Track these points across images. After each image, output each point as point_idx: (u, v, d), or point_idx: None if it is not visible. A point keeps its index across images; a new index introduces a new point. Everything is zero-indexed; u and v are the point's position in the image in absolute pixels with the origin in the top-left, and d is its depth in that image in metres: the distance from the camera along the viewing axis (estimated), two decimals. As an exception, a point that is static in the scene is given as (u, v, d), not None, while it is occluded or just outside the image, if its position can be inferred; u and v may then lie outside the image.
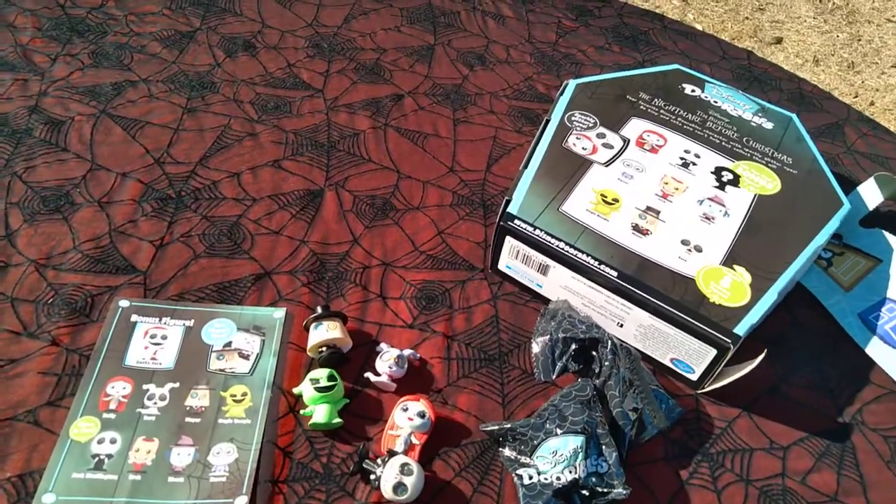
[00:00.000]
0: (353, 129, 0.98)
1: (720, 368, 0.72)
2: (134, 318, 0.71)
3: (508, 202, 0.79)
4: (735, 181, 0.86)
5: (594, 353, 0.71)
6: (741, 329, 0.71)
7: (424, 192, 0.91)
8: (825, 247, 0.92)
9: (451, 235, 0.87)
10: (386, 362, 0.70)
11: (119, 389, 0.66)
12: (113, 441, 0.62)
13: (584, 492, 0.63)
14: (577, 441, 0.64)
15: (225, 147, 0.92)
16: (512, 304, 0.81)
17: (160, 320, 0.72)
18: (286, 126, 0.97)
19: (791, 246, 0.79)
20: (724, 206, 0.83)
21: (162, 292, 0.75)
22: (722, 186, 0.85)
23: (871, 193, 0.98)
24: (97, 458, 0.61)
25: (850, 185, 0.98)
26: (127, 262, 0.77)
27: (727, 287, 0.74)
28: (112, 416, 0.64)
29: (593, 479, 0.63)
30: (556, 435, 0.65)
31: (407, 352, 0.72)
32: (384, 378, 0.70)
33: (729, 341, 0.70)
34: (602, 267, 0.75)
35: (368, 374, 0.70)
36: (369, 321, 0.76)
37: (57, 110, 0.92)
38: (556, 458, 0.64)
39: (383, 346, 0.72)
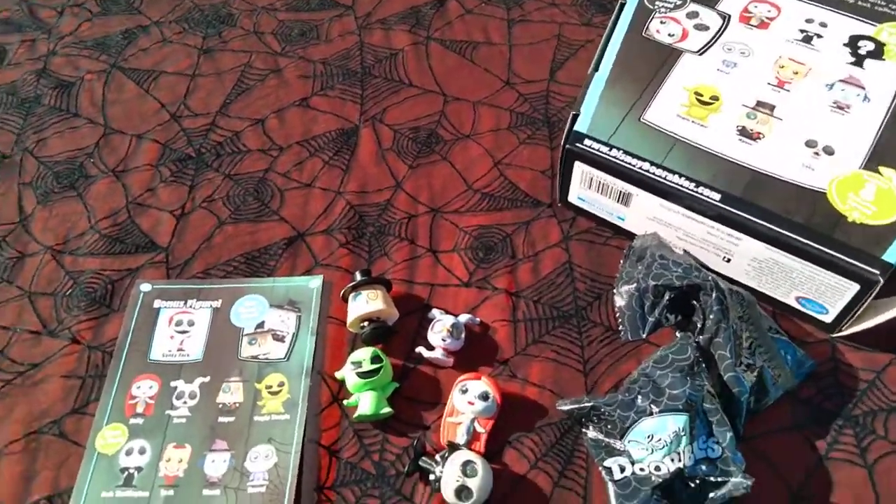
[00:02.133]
0: (389, 49, 0.83)
1: (864, 306, 0.56)
2: (157, 303, 0.64)
3: (576, 118, 0.63)
4: (878, 52, 0.65)
5: (695, 302, 0.57)
6: (892, 255, 0.54)
7: (476, 116, 0.77)
8: None
9: (511, 166, 0.72)
10: (438, 334, 0.59)
11: (145, 389, 0.59)
12: (142, 451, 0.56)
13: (693, 482, 0.50)
14: (678, 421, 0.51)
15: (246, 90, 0.81)
16: (588, 244, 0.66)
17: (185, 303, 0.64)
18: (313, 55, 0.84)
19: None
20: (862, 88, 0.63)
21: (186, 270, 0.67)
22: (859, 62, 0.64)
23: None
24: (126, 473, 0.55)
25: None
26: (147, 238, 0.69)
27: (870, 199, 0.56)
28: (140, 420, 0.57)
29: (703, 468, 0.51)
30: (652, 414, 0.52)
31: (463, 318, 0.61)
32: (438, 353, 0.59)
33: (876, 272, 0.53)
34: (700, 189, 0.59)
35: (420, 350, 0.60)
36: (419, 282, 0.65)
37: (66, 71, 0.84)
38: (652, 443, 0.51)
39: (435, 312, 0.61)
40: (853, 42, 0.66)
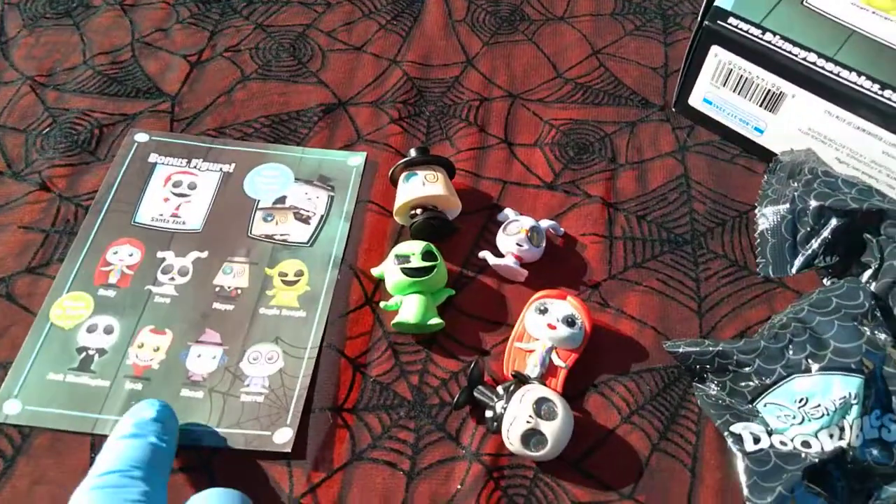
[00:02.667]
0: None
1: None
2: (153, 157, 0.50)
3: (715, -14, 0.48)
4: None
5: (868, 235, 0.42)
6: None
7: (573, -5, 0.61)
8: None
9: (614, 57, 0.58)
10: (513, 236, 0.44)
11: (124, 256, 0.45)
12: (108, 330, 0.42)
13: (859, 470, 0.36)
14: (850, 385, 0.36)
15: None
16: (710, 158, 0.52)
17: (189, 163, 0.50)
18: None
19: None
20: None
21: (195, 125, 0.52)
22: None
23: None
24: (84, 354, 0.42)
25: None
26: (151, 82, 0.55)
27: None
28: (111, 293, 0.44)
29: (874, 452, 0.36)
30: (810, 372, 0.37)
31: (545, 223, 0.46)
32: (510, 261, 0.44)
33: None
34: (887, 93, 0.43)
35: (485, 254, 0.45)
36: (488, 177, 0.50)
37: None
38: (805, 409, 0.37)
39: (508, 212, 0.47)
40: None
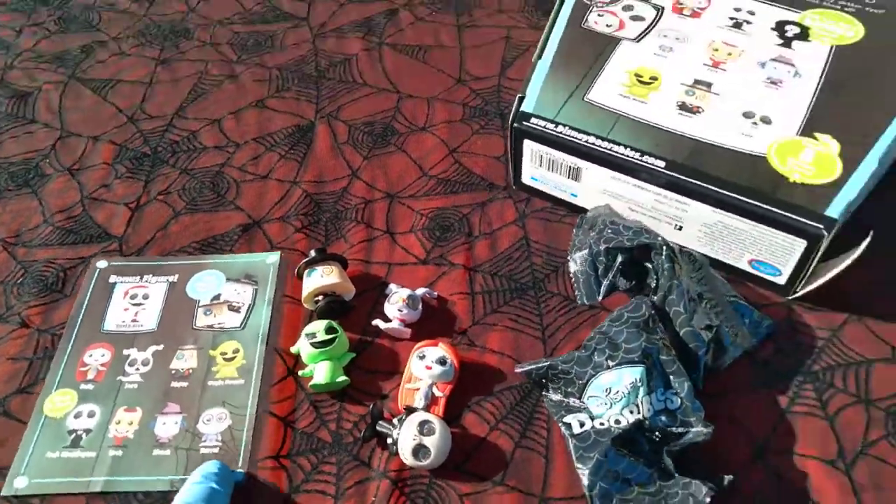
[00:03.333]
0: (343, 54, 0.86)
1: (814, 264, 0.57)
2: (113, 278, 0.63)
3: (522, 100, 0.65)
4: (803, 34, 0.69)
5: (647, 264, 0.58)
6: (835, 210, 0.55)
7: (430, 110, 0.78)
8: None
9: (466, 153, 0.74)
10: (395, 305, 0.58)
11: (97, 357, 0.58)
12: (91, 414, 0.55)
13: (655, 435, 0.50)
14: (635, 373, 0.51)
15: (202, 94, 0.82)
16: (544, 221, 0.67)
17: (141, 278, 0.63)
18: (269, 62, 0.85)
19: (888, 101, 0.62)
20: (792, 65, 0.66)
21: (140, 256, 0.66)
22: (787, 43, 0.68)
23: None
24: (74, 434, 0.54)
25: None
26: (101, 228, 0.68)
27: (810, 161, 0.58)
28: (90, 386, 0.56)
29: (663, 419, 0.50)
30: (609, 368, 0.52)
31: (420, 291, 0.60)
32: (396, 324, 0.58)
33: (821, 227, 0.54)
34: (646, 159, 0.60)
35: (377, 322, 0.59)
36: (376, 261, 0.65)
37: (23, 82, 0.84)
38: (610, 397, 0.51)
39: (392, 286, 0.61)
40: (780, 26, 0.70)
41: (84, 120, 0.79)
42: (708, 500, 0.44)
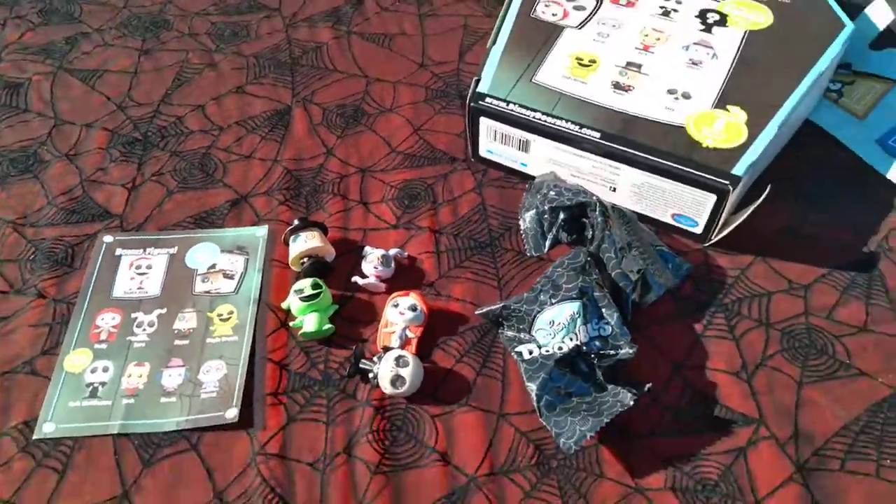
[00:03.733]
0: (315, 43, 0.93)
1: (724, 215, 0.68)
2: (118, 251, 0.71)
3: (478, 82, 0.74)
4: (722, 21, 0.79)
5: (585, 220, 0.68)
6: (739, 169, 0.66)
7: (396, 93, 0.87)
8: (833, 77, 0.85)
9: (429, 131, 0.83)
10: (371, 263, 0.68)
11: (108, 320, 0.66)
12: (105, 369, 0.63)
13: (591, 357, 0.60)
14: (573, 307, 0.61)
15: (186, 82, 0.89)
16: (499, 188, 0.77)
17: (144, 251, 0.71)
18: (245, 51, 0.93)
19: (789, 77, 0.73)
20: (711, 48, 0.76)
21: (140, 232, 0.73)
22: (708, 29, 0.78)
23: (881, 13, 0.89)
24: (91, 387, 0.62)
25: (856, 10, 0.89)
26: (102, 208, 0.76)
27: (721, 129, 0.69)
28: (104, 346, 0.64)
29: (597, 344, 0.61)
30: (551, 305, 0.62)
31: (393, 251, 0.70)
32: (372, 279, 0.67)
33: (727, 183, 0.65)
34: (584, 131, 0.70)
35: (356, 278, 0.68)
36: (353, 228, 0.74)
37: (13, 73, 0.90)
38: (554, 328, 0.61)
39: (367, 248, 0.70)
40: (702, 14, 0.80)
41: (75, 109, 0.86)
42: (631, 402, 0.55)
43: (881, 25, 0.89)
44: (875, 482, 0.56)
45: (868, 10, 0.89)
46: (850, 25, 0.77)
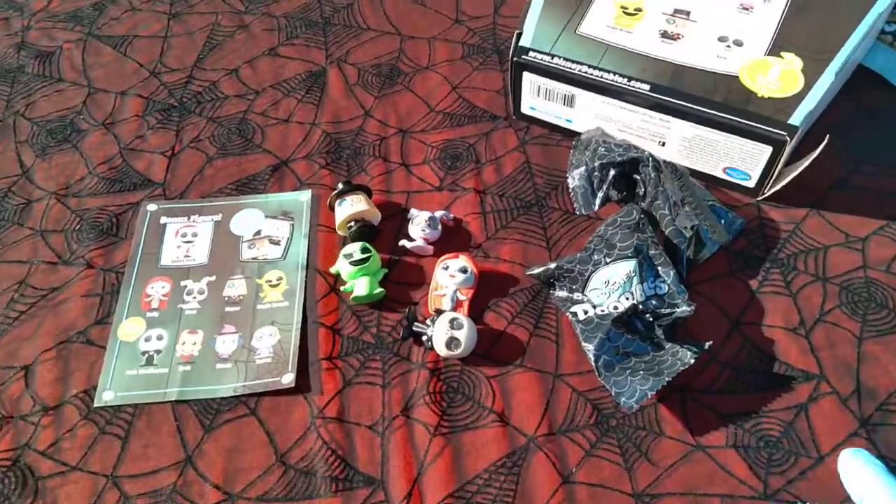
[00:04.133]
0: (345, 1, 0.91)
1: (779, 168, 0.66)
2: (163, 220, 0.71)
3: (520, 36, 0.72)
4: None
5: (636, 176, 0.66)
6: (797, 119, 0.63)
7: (432, 50, 0.85)
8: (889, 18, 0.81)
9: (468, 88, 0.81)
10: (418, 226, 0.67)
11: (158, 289, 0.66)
12: (160, 338, 0.63)
13: (648, 316, 0.59)
14: (629, 266, 0.60)
15: (217, 45, 0.87)
16: (543, 146, 0.75)
17: (189, 219, 0.71)
18: (275, 11, 0.91)
19: (846, 20, 0.69)
20: (763, -9, 0.73)
21: (183, 200, 0.73)
22: (759, -29, 0.75)
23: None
24: (147, 355, 0.62)
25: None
26: (143, 176, 0.75)
27: (776, 77, 0.66)
28: (156, 314, 0.65)
29: (654, 302, 0.60)
30: (606, 264, 0.61)
31: (439, 213, 0.69)
32: (419, 242, 0.67)
33: (784, 133, 0.63)
34: (633, 83, 0.68)
35: (403, 242, 0.67)
36: (396, 191, 0.73)
37: (44, 42, 0.89)
38: (609, 287, 0.60)
39: (413, 211, 0.69)
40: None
41: (108, 76, 0.85)
42: (692, 360, 0.54)
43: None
44: (939, 435, 0.55)
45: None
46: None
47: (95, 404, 0.60)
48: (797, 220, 0.68)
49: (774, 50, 0.68)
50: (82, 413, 0.60)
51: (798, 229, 0.67)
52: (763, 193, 0.69)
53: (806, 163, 0.64)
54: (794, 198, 0.68)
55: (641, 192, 0.65)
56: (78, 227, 0.71)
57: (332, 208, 0.69)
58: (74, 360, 0.63)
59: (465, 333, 0.59)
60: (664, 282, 0.60)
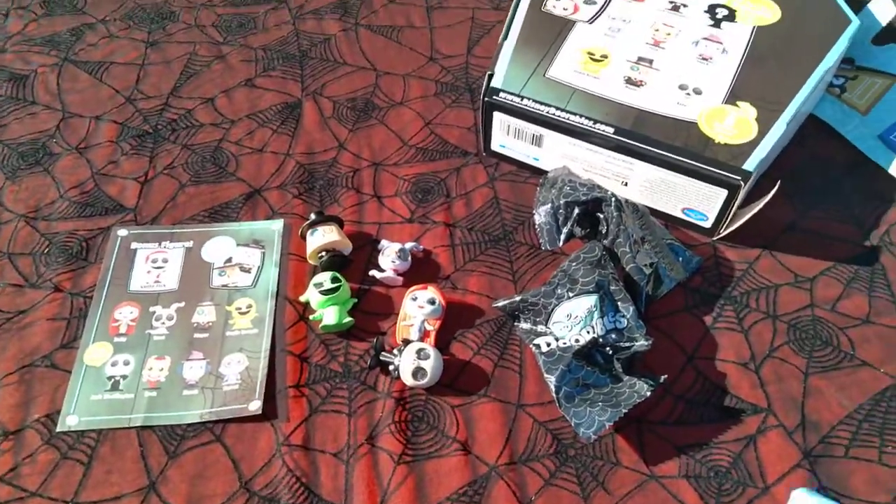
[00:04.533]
0: (322, 35, 0.93)
1: (734, 210, 0.69)
2: (134, 245, 0.71)
3: (491, 76, 0.75)
4: (731, 16, 0.80)
5: (599, 214, 0.69)
6: (750, 164, 0.67)
7: (406, 86, 0.87)
8: (836, 72, 0.87)
9: (440, 125, 0.83)
10: (388, 257, 0.68)
11: (126, 314, 0.66)
12: (126, 363, 0.63)
13: (607, 349, 0.62)
14: (590, 300, 0.62)
15: (194, 74, 0.89)
16: (511, 182, 0.78)
17: (160, 244, 0.71)
18: (253, 43, 0.93)
19: (797, 73, 0.74)
20: (721, 43, 0.77)
21: (154, 225, 0.74)
22: (717, 24, 0.80)
23: (883, 8, 0.91)
24: (113, 380, 0.62)
25: (858, 5, 0.91)
26: (115, 202, 0.76)
27: (732, 125, 0.70)
28: (123, 339, 0.65)
29: (613, 336, 0.62)
30: (569, 298, 0.63)
31: (409, 244, 0.70)
32: (389, 273, 0.68)
33: (739, 178, 0.66)
34: (598, 126, 0.71)
35: (373, 272, 0.69)
36: (367, 222, 0.74)
37: (18, 65, 0.89)
38: (571, 321, 0.62)
39: (384, 242, 0.71)
40: (711, 9, 0.81)
41: (83, 101, 0.86)
42: (649, 393, 0.56)
43: (884, 21, 0.91)
44: (877, 468, 0.58)
45: (871, 6, 0.91)
46: (855, 21, 0.79)
47: (58, 429, 0.60)
48: (750, 259, 0.71)
49: (731, 99, 0.73)
50: (44, 438, 0.59)
51: (751, 269, 0.71)
52: (719, 233, 0.73)
53: (759, 206, 0.67)
54: (747, 239, 0.72)
55: (604, 231, 0.68)
56: (46, 250, 0.71)
57: (303, 238, 0.70)
58: (38, 385, 0.62)
59: (432, 364, 0.60)
60: (624, 316, 0.63)
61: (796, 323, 0.67)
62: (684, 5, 0.82)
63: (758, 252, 0.72)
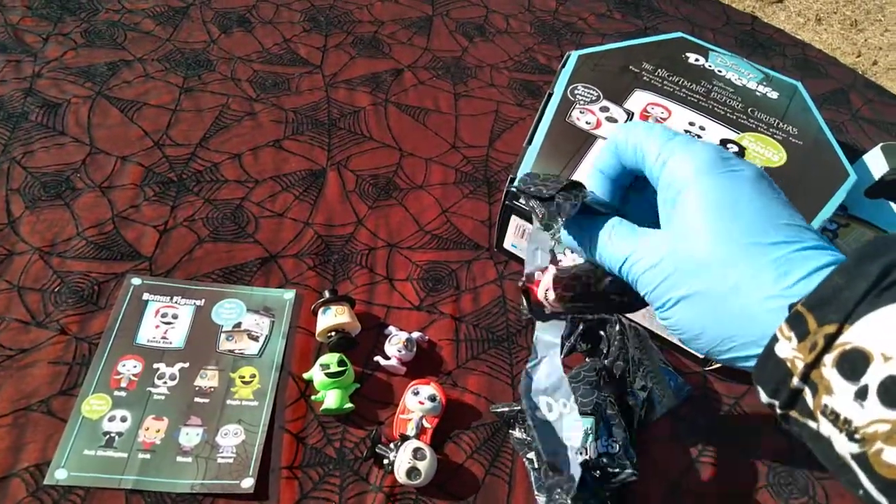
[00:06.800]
0: (352, 106, 0.96)
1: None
2: (146, 296, 0.72)
3: (513, 180, 0.78)
4: (741, 154, 0.85)
5: (602, 332, 0.71)
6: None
7: (427, 170, 0.90)
8: (830, 218, 0.92)
9: (456, 214, 0.86)
10: (395, 346, 0.70)
11: (130, 368, 0.66)
12: (123, 419, 0.63)
13: (596, 472, 0.64)
14: (586, 423, 0.64)
15: (224, 127, 0.91)
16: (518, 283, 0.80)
17: (171, 299, 0.72)
18: (285, 104, 0.95)
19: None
20: (730, 180, 0.82)
21: (168, 278, 0.74)
22: (728, 160, 0.84)
23: (876, 163, 0.97)
24: (108, 436, 0.62)
25: (855, 154, 0.97)
26: (132, 247, 0.76)
27: (735, 263, 0.74)
28: (123, 394, 0.65)
29: (604, 460, 0.64)
30: (566, 416, 0.65)
31: (416, 334, 0.72)
32: (394, 362, 0.70)
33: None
34: (609, 245, 0.74)
35: (378, 358, 0.70)
36: (377, 304, 0.76)
37: (52, 92, 0.90)
38: (566, 438, 0.64)
39: (392, 329, 0.72)
40: (723, 144, 0.86)
41: (112, 138, 0.87)
42: (635, 528, 0.58)
43: (876, 174, 0.97)
44: None
45: (866, 158, 0.97)
46: (853, 176, 0.84)
47: (46, 481, 0.59)
48: (738, 394, 0.74)
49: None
50: (29, 489, 0.59)
51: (738, 404, 0.74)
52: (710, 364, 0.76)
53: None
54: (738, 374, 0.75)
55: (605, 350, 0.71)
56: (58, 289, 0.72)
57: (315, 314, 0.72)
58: (31, 431, 0.62)
59: (427, 465, 0.61)
60: (616, 442, 0.65)
61: (775, 466, 0.69)
62: (699, 136, 0.86)
63: (745, 388, 0.75)
